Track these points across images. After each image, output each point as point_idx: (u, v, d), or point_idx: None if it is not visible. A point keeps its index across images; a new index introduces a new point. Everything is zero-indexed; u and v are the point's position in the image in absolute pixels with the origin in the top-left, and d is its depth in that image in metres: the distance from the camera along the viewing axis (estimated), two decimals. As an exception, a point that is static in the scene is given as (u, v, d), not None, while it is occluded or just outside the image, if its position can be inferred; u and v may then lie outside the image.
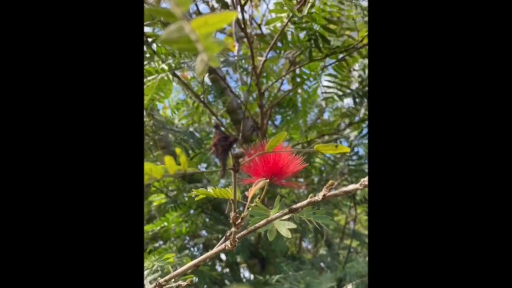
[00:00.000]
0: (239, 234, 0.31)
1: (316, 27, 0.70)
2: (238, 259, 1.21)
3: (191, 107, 0.97)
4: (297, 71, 0.81)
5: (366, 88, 0.83)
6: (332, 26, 0.69)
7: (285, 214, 0.30)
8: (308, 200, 0.29)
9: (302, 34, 0.74)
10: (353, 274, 0.95)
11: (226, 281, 1.32)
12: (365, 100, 0.81)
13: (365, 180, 0.26)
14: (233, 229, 0.30)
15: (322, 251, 1.31)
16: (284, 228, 0.30)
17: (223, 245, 0.32)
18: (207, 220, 1.19)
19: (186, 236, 1.19)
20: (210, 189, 0.38)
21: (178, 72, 0.76)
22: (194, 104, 0.91)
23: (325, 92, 0.84)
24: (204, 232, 1.18)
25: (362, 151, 1.23)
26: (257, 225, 0.31)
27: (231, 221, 0.29)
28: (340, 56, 0.80)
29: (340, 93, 0.84)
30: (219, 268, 1.37)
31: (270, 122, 1.01)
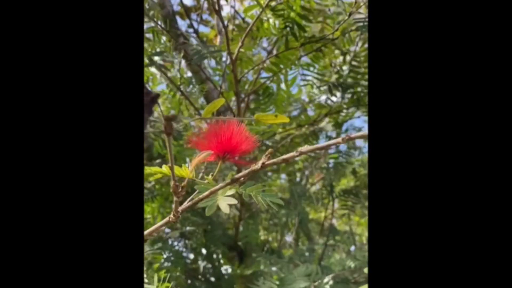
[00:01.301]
0: (183, 206, 0.31)
1: (292, 15, 0.69)
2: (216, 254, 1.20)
3: (169, 97, 0.96)
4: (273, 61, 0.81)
5: (343, 79, 0.82)
6: (308, 15, 0.69)
7: (228, 184, 0.30)
8: (249, 169, 0.28)
9: (279, 23, 0.73)
10: (328, 269, 0.95)
11: (207, 275, 1.31)
12: (341, 92, 0.81)
13: (302, 148, 0.25)
14: (174, 198, 0.29)
15: (302, 246, 1.31)
16: (225, 203, 0.29)
17: (167, 218, 0.31)
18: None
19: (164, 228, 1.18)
20: (164, 168, 0.38)
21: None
22: (170, 93, 0.90)
23: (304, 80, 0.83)
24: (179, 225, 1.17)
25: (344, 146, 1.23)
26: (200, 196, 0.30)
27: (171, 190, 0.29)
28: (321, 48, 0.80)
29: (318, 84, 0.84)
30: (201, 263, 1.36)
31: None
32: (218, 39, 1.14)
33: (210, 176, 0.37)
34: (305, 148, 0.28)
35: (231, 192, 0.30)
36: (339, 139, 0.29)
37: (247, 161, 0.45)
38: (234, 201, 0.29)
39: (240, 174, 0.29)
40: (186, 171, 0.34)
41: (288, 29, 0.72)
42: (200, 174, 0.54)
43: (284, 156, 0.27)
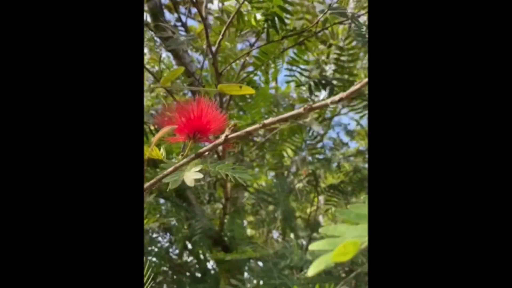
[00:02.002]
0: (148, 184, 0.31)
1: (272, 7, 0.70)
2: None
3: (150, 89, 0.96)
4: (257, 54, 0.81)
5: (324, 74, 0.83)
6: (288, 7, 0.70)
7: (192, 159, 0.30)
8: (212, 144, 0.29)
9: (260, 15, 0.74)
10: (311, 262, 0.95)
11: (193, 270, 1.31)
12: (324, 87, 0.82)
13: (266, 121, 0.26)
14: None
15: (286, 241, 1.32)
16: (190, 178, 0.29)
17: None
18: (168, 206, 1.18)
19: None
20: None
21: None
22: (150, 86, 0.90)
23: (288, 75, 0.84)
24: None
25: (330, 142, 1.24)
26: (165, 172, 0.30)
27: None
28: (303, 42, 0.80)
29: (302, 78, 0.85)
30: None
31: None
32: (220, 37, 1.14)
33: (180, 156, 0.38)
34: (269, 120, 0.28)
35: (198, 168, 0.31)
36: (301, 109, 0.30)
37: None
38: (200, 176, 0.30)
39: (204, 148, 0.30)
40: (150, 150, 0.35)
41: (269, 22, 0.73)
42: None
43: (248, 129, 0.27)
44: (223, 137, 0.28)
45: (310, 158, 1.13)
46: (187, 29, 1.14)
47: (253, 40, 0.83)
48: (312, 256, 1.06)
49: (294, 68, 0.84)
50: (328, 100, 0.34)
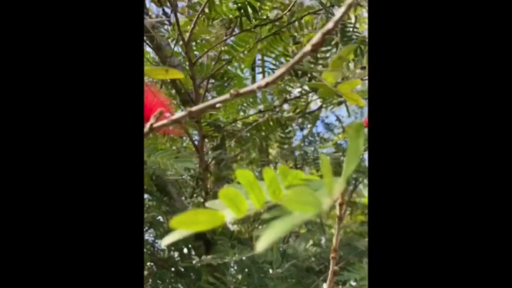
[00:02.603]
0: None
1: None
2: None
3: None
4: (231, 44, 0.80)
5: (301, 64, 0.82)
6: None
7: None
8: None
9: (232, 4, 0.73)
10: (289, 255, 0.95)
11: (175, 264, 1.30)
12: (297, 78, 0.81)
13: (191, 108, 0.25)
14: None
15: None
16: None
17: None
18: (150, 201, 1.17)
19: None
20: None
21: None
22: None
23: (261, 66, 0.83)
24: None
25: (312, 139, 1.23)
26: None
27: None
28: (278, 32, 0.79)
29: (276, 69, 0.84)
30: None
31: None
32: (192, 25, 1.13)
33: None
34: (195, 107, 0.27)
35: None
36: (227, 95, 0.29)
37: (172, 129, 0.44)
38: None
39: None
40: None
41: (242, 11, 0.72)
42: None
43: (173, 117, 0.26)
44: (147, 126, 0.27)
45: (296, 152, 1.13)
46: (171, 22, 1.13)
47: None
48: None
49: (268, 59, 0.83)
50: (255, 85, 0.33)
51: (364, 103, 0.33)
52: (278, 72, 0.32)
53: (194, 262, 1.16)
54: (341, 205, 0.25)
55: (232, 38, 0.81)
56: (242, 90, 0.33)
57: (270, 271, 0.97)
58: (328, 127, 1.08)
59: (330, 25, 0.30)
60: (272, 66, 0.86)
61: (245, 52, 0.80)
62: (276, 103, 1.00)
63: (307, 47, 0.32)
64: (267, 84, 0.33)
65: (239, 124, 0.97)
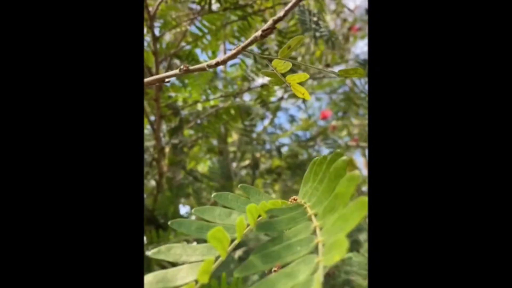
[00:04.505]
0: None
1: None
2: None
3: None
4: (199, 24, 0.78)
5: (267, 52, 0.82)
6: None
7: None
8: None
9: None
10: (242, 243, 0.96)
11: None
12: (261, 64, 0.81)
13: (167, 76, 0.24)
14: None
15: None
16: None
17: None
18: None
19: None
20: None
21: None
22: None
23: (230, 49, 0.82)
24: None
25: (270, 129, 1.24)
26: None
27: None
28: (246, 18, 0.78)
29: (241, 56, 0.83)
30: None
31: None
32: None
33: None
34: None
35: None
36: (177, 70, 0.30)
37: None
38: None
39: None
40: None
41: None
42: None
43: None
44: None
45: (255, 142, 1.13)
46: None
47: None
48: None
49: (232, 46, 0.82)
50: (205, 64, 0.33)
51: (311, 97, 0.34)
52: (229, 53, 0.32)
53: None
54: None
55: (200, 19, 0.78)
56: (192, 67, 0.33)
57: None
58: (293, 118, 1.10)
59: (281, 13, 0.31)
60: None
61: (212, 35, 0.78)
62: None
63: (258, 33, 0.32)
64: (217, 64, 0.33)
65: (199, 108, 0.95)
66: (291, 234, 0.19)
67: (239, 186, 0.27)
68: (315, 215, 0.20)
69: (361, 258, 0.69)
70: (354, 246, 0.77)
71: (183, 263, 0.19)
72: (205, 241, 0.19)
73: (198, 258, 0.20)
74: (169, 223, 0.21)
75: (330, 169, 0.21)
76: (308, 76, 0.34)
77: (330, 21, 1.42)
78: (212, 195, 0.26)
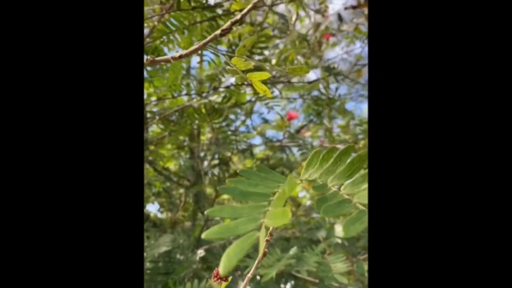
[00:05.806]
0: None
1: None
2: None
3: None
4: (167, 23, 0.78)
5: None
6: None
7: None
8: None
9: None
10: (206, 242, 0.96)
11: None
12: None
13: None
14: None
15: (201, 223, 1.31)
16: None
17: None
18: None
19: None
20: None
21: None
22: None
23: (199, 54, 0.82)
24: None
25: (243, 128, 1.24)
26: None
27: None
28: (215, 18, 0.78)
29: (212, 56, 0.83)
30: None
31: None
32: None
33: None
34: None
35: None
36: (144, 60, 0.30)
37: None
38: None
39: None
40: None
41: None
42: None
43: None
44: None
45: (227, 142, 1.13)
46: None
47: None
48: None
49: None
50: (169, 56, 0.34)
51: (271, 94, 0.34)
52: (192, 48, 0.34)
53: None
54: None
55: (168, 17, 0.78)
56: (158, 58, 0.34)
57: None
58: (265, 120, 1.10)
59: (238, 17, 0.33)
60: (211, 53, 0.85)
61: (180, 34, 0.78)
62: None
63: (217, 32, 0.33)
64: (180, 56, 0.34)
65: (166, 105, 0.95)
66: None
67: (238, 171, 0.27)
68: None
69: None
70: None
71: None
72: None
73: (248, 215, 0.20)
74: (206, 212, 0.21)
75: (348, 157, 0.24)
76: (269, 75, 0.35)
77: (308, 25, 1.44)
78: (238, 170, 0.26)
